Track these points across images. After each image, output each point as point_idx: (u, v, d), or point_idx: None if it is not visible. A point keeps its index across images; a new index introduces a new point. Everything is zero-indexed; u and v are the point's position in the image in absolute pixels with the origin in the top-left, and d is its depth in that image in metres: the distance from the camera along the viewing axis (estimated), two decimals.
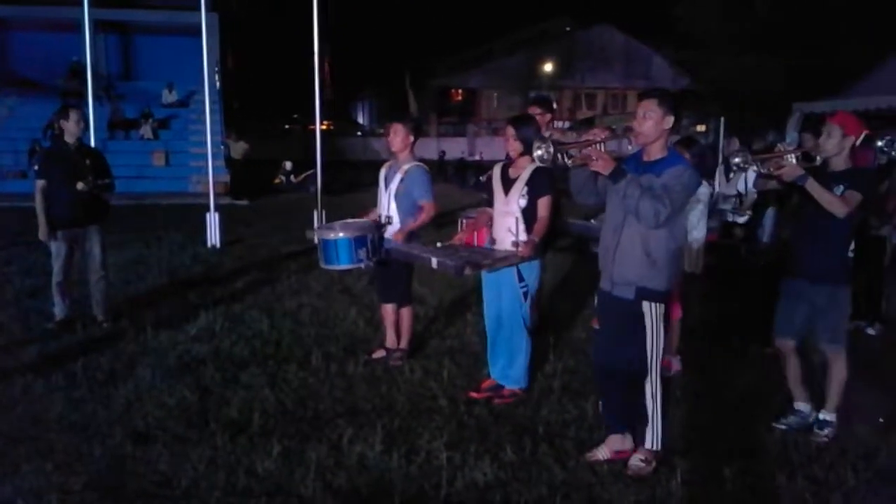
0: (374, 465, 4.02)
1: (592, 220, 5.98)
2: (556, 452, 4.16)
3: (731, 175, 7.20)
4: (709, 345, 6.16)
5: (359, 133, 45.38)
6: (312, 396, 4.99)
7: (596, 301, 4.21)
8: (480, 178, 5.00)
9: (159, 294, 7.81)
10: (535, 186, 4.76)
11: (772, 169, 4.41)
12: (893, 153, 4.68)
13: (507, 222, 4.81)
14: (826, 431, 4.44)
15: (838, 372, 4.48)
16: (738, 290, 7.56)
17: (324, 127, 21.38)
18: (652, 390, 3.96)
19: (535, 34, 43.98)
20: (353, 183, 19.06)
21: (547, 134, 5.34)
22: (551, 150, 3.77)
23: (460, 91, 48.11)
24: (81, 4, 12.63)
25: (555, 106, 6.50)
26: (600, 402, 4.32)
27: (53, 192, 6.23)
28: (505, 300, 4.88)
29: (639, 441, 4.06)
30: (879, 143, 4.57)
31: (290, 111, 47.96)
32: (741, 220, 7.18)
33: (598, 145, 3.81)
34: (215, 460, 4.03)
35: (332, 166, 17.19)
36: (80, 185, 6.14)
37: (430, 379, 5.31)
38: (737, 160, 4.45)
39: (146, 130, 20.71)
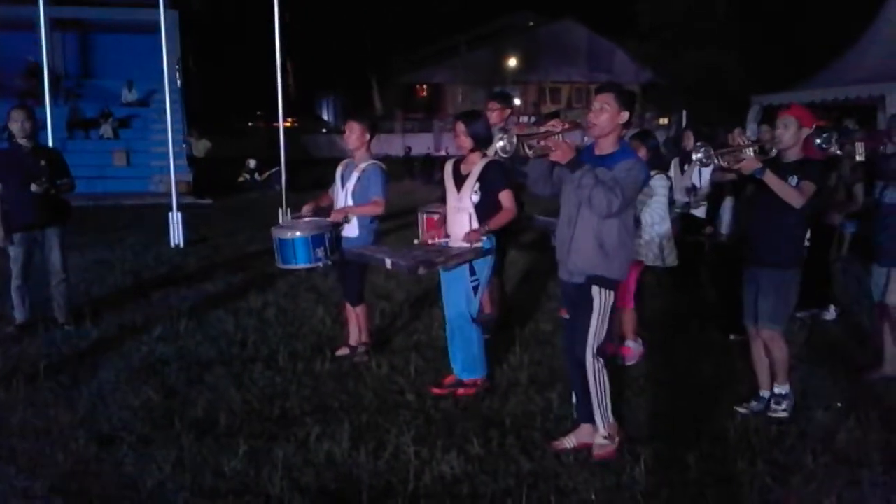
0: (341, 461, 4.02)
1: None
2: (522, 444, 4.20)
3: (686, 167, 7.28)
4: (672, 333, 6.26)
5: (324, 130, 45.03)
6: (279, 395, 4.98)
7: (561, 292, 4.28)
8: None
9: (122, 295, 7.72)
10: (488, 181, 4.80)
11: (731, 163, 4.50)
12: (832, 149, 4.77)
13: (460, 218, 4.84)
14: (784, 405, 4.56)
15: (779, 351, 4.59)
16: (700, 281, 7.67)
17: (288, 124, 21.24)
18: (594, 375, 4.02)
19: (498, 29, 44.01)
20: (318, 180, 18.93)
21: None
22: (514, 140, 3.83)
23: (425, 87, 48.04)
24: (37, 3, 12.40)
25: (518, 101, 6.54)
26: (572, 392, 4.36)
27: (9, 194, 6.11)
28: (455, 293, 4.90)
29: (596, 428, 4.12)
30: (818, 141, 4.66)
31: (254, 108, 47.49)
32: (696, 211, 7.26)
33: (557, 136, 3.86)
34: (181, 461, 4.00)
35: (296, 164, 17.05)
36: (34, 187, 6.02)
37: (397, 374, 5.33)
38: (699, 156, 4.53)
39: (106, 130, 20.38)
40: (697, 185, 7.21)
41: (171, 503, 3.64)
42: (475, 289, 4.87)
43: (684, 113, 16.81)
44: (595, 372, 4.02)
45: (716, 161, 4.54)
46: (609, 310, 3.99)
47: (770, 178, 4.29)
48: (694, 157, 4.56)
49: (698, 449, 4.13)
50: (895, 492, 3.76)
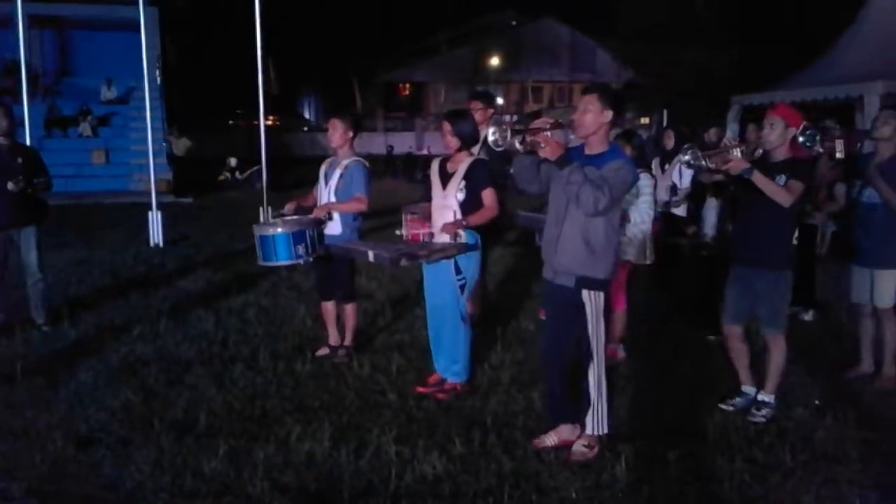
0: (322, 461, 4.01)
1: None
2: (504, 443, 4.20)
3: (667, 166, 7.30)
4: (653, 332, 6.29)
5: (305, 128, 44.86)
6: (260, 395, 4.95)
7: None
8: (427, 172, 5.02)
9: (101, 295, 7.64)
10: (473, 180, 4.81)
11: (718, 164, 4.52)
12: (816, 147, 4.81)
13: (445, 216, 4.84)
14: (763, 412, 4.58)
15: (778, 355, 4.63)
16: (682, 280, 7.70)
17: (269, 122, 21.14)
18: (595, 377, 4.04)
19: (480, 28, 44.03)
20: (299, 179, 18.88)
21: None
22: (507, 134, 3.84)
23: (407, 85, 47.95)
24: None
25: (500, 101, 6.55)
26: (548, 392, 4.37)
27: None
28: (443, 293, 4.91)
29: (582, 427, 4.13)
30: (801, 139, 4.69)
31: (234, 106, 47.16)
32: (676, 211, 7.28)
33: (546, 132, 3.88)
34: (161, 462, 3.97)
35: (277, 162, 16.95)
36: (10, 186, 5.95)
37: (379, 374, 5.32)
38: (686, 157, 4.54)
39: (85, 128, 20.21)
40: (678, 184, 7.24)
41: None
42: (462, 287, 4.87)
43: (665, 112, 16.89)
44: (596, 377, 4.04)
45: (703, 163, 4.55)
46: (602, 311, 4.01)
47: (758, 178, 4.33)
48: (682, 158, 4.58)
49: (678, 447, 4.15)
50: (872, 488, 3.80)
